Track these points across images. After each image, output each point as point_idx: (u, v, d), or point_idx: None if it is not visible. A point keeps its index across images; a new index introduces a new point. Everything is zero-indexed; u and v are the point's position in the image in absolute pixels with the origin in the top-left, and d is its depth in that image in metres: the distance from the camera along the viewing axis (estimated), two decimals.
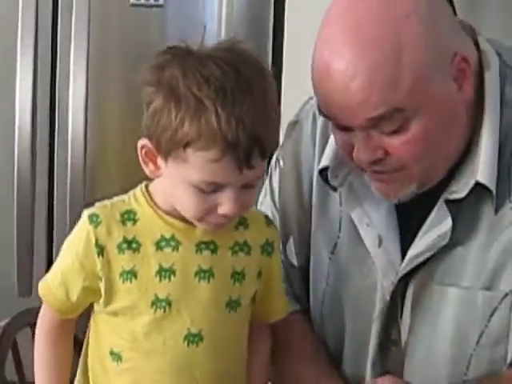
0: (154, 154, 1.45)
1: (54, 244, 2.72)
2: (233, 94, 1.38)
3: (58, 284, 1.51)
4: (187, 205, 1.46)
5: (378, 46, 1.45)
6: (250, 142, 1.38)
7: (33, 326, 1.84)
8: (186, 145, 1.39)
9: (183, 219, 1.49)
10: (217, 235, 1.51)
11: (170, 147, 1.41)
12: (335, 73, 1.46)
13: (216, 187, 1.42)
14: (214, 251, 1.50)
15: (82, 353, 1.59)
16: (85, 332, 1.59)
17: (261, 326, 1.63)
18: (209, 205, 1.43)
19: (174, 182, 1.46)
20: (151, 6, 2.65)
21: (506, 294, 1.54)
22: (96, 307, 1.52)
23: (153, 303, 1.48)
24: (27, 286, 2.73)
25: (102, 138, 2.72)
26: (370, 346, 1.65)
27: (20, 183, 2.69)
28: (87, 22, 2.64)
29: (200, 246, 1.50)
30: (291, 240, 1.76)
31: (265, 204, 1.81)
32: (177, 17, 2.68)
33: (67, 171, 2.70)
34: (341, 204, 1.69)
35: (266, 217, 1.60)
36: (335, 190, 1.68)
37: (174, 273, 1.49)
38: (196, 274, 1.49)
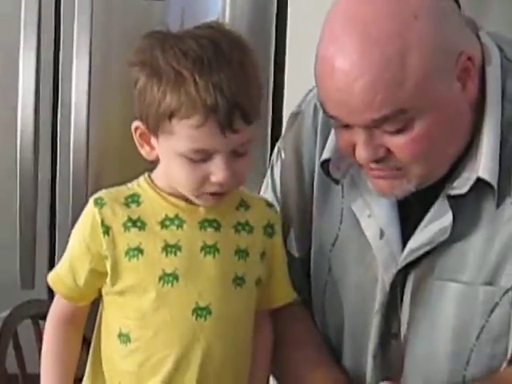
0: (146, 135, 1.51)
1: (57, 238, 2.72)
2: (210, 63, 1.44)
3: (66, 271, 1.54)
4: (181, 177, 1.50)
5: (384, 45, 1.44)
6: (229, 106, 1.43)
7: (34, 317, 1.90)
8: (171, 116, 1.44)
9: (186, 199, 1.53)
10: (219, 214, 1.55)
11: (156, 122, 1.47)
12: (339, 72, 1.46)
13: (204, 155, 1.47)
14: (217, 229, 1.53)
15: (93, 341, 1.60)
16: (93, 331, 1.60)
17: (265, 316, 1.65)
18: (201, 174, 1.47)
19: (167, 158, 1.51)
20: None
21: (507, 290, 1.55)
22: (103, 290, 1.54)
23: (160, 278, 1.51)
24: (30, 279, 2.73)
25: (104, 133, 2.73)
26: (371, 338, 1.66)
27: (22, 179, 2.70)
28: (90, 18, 2.64)
29: (203, 224, 1.53)
30: (292, 232, 1.76)
31: (266, 196, 1.80)
32: (177, 8, 2.68)
33: (69, 167, 2.71)
34: (342, 196, 1.69)
35: (267, 200, 1.63)
36: (337, 182, 1.68)
37: (179, 248, 1.51)
38: (201, 249, 1.52)
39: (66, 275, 1.54)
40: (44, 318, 1.59)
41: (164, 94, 1.44)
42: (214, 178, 1.46)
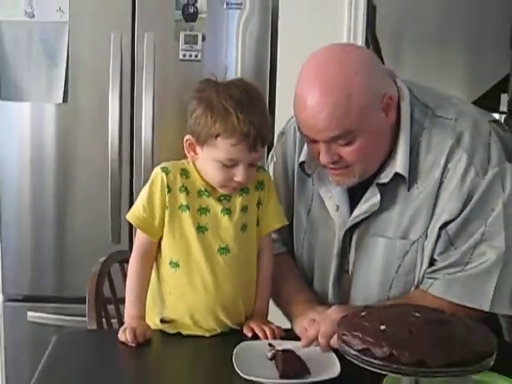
0: (194, 145, 1.51)
1: None
2: (246, 105, 1.45)
3: (142, 211, 1.53)
4: (214, 176, 1.50)
5: (336, 92, 1.45)
6: (255, 134, 1.44)
7: (120, 262, 1.90)
8: (217, 136, 1.45)
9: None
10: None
11: (205, 138, 1.47)
12: (309, 107, 1.48)
13: (233, 163, 1.47)
14: (228, 200, 1.53)
15: (153, 268, 1.58)
16: None
17: (264, 244, 1.64)
18: (228, 175, 1.48)
19: (206, 162, 1.50)
20: (192, 61, 2.65)
21: (414, 242, 1.56)
22: (164, 230, 1.53)
23: (197, 228, 1.51)
24: (117, 237, 2.71)
25: (163, 148, 2.70)
26: (331, 273, 1.67)
27: (112, 173, 2.70)
28: (153, 71, 2.64)
29: (220, 198, 1.53)
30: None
31: None
32: (209, 66, 2.65)
33: (141, 169, 2.70)
34: (313, 185, 1.70)
35: (259, 166, 1.59)
36: (309, 176, 1.69)
37: (208, 211, 1.52)
38: (221, 211, 1.53)
39: (147, 218, 1.53)
40: (127, 262, 1.60)
41: (215, 121, 1.44)
42: (236, 179, 1.49)
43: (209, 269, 1.52)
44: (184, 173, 1.55)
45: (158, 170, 1.55)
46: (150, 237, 1.54)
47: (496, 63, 4.17)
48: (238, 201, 1.56)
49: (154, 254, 1.56)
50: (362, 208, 1.59)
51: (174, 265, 1.54)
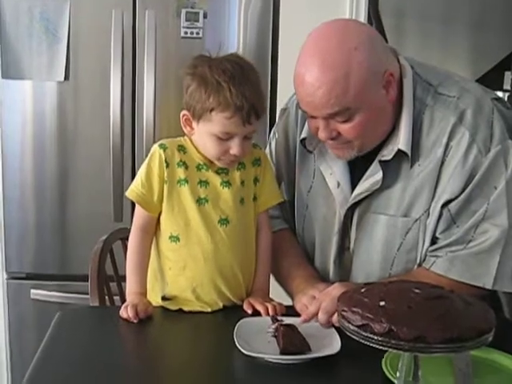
0: (190, 120, 1.53)
1: None
2: (239, 79, 1.46)
3: (141, 187, 1.54)
4: (211, 150, 1.52)
5: (335, 68, 1.45)
6: (249, 107, 1.45)
7: (122, 239, 1.90)
8: (211, 110, 1.46)
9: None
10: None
11: (200, 113, 1.48)
12: (307, 84, 1.48)
13: (229, 136, 1.48)
14: (227, 173, 1.55)
15: (153, 242, 1.60)
16: None
17: (262, 221, 1.65)
18: (224, 148, 1.50)
19: (203, 136, 1.51)
20: (194, 38, 2.66)
21: (416, 220, 1.57)
22: (163, 204, 1.55)
23: (197, 200, 1.53)
24: (119, 215, 2.73)
25: (164, 122, 2.71)
26: (332, 250, 1.68)
27: (114, 150, 2.71)
28: (154, 48, 2.65)
29: (218, 171, 1.55)
30: (283, 184, 1.78)
31: None
32: (211, 43, 2.66)
33: (143, 143, 2.71)
34: (314, 161, 1.70)
35: (255, 143, 1.62)
36: (310, 152, 1.69)
37: (208, 183, 1.54)
38: (220, 184, 1.54)
39: (141, 190, 1.55)
40: (128, 239, 1.60)
41: (209, 95, 1.46)
42: (232, 151, 1.51)
43: (209, 239, 1.54)
44: (182, 148, 1.56)
45: (155, 146, 1.57)
46: (150, 212, 1.56)
47: (499, 41, 4.14)
48: (237, 174, 1.58)
49: (153, 229, 1.58)
50: (364, 185, 1.59)
51: (175, 238, 1.56)
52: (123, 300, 1.69)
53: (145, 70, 2.65)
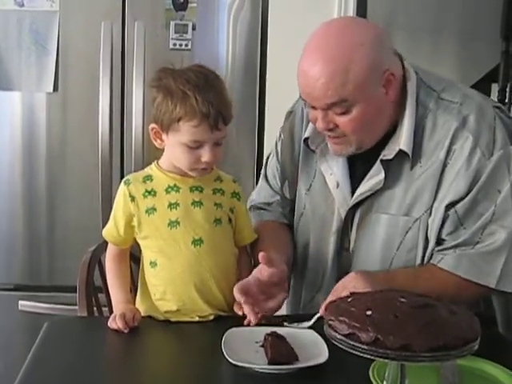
0: (159, 132, 1.53)
1: None
2: (203, 87, 1.47)
3: (112, 227, 1.58)
4: (182, 159, 1.53)
5: (335, 62, 1.49)
6: (216, 113, 1.46)
7: None
8: (179, 120, 1.47)
9: (180, 174, 1.56)
10: (202, 183, 1.58)
11: (168, 123, 1.49)
12: (309, 76, 1.51)
13: (198, 144, 1.49)
14: (201, 191, 1.56)
15: (140, 268, 1.64)
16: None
17: (243, 252, 1.69)
18: (195, 157, 1.51)
19: (173, 147, 1.52)
20: (183, 50, 2.68)
21: (416, 219, 1.59)
22: (136, 236, 1.58)
23: (168, 224, 1.54)
24: None
25: None
26: (329, 250, 1.71)
27: (103, 162, 2.71)
28: (143, 60, 2.65)
29: (192, 188, 1.56)
30: (286, 182, 1.83)
31: (272, 161, 1.88)
32: (200, 55, 2.68)
33: (132, 153, 2.71)
34: (316, 161, 1.74)
35: (233, 178, 1.65)
36: (313, 151, 1.73)
37: (178, 205, 1.54)
38: (192, 203, 1.56)
39: (112, 229, 1.58)
40: None
41: (175, 105, 1.47)
42: (203, 159, 1.52)
43: (184, 260, 1.55)
44: (148, 178, 1.59)
45: (122, 183, 1.59)
46: (117, 245, 1.60)
47: (487, 53, 4.17)
48: (211, 197, 1.60)
49: (126, 257, 1.63)
50: (367, 185, 1.63)
51: (153, 264, 1.58)
52: (111, 311, 1.69)
53: (134, 81, 2.65)
